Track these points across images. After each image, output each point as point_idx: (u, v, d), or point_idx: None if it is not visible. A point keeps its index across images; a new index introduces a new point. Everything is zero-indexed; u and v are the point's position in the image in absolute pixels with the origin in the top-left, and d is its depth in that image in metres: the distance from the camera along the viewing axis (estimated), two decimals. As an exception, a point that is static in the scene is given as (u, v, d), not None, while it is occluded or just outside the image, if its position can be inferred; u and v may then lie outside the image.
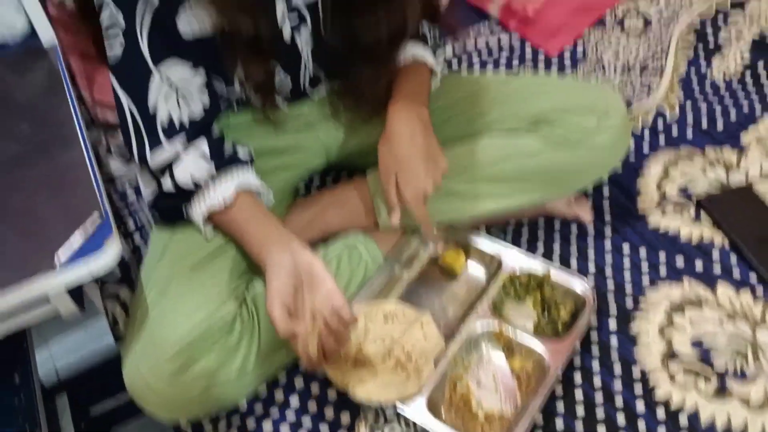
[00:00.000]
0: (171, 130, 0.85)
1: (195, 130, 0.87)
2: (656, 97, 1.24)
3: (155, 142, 0.85)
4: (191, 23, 0.82)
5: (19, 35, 1.08)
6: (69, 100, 0.96)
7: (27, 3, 1.03)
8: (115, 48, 0.83)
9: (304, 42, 0.92)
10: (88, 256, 0.74)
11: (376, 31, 0.89)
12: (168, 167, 0.86)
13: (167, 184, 0.87)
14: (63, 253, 0.74)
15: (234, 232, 0.89)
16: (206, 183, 0.86)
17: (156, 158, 0.85)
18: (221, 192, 0.86)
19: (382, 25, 0.89)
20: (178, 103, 0.86)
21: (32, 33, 1.08)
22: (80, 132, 0.90)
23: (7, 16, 1.05)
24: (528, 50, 1.39)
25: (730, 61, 1.30)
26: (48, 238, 0.76)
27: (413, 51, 1.00)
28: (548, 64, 1.36)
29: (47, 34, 1.07)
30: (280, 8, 0.87)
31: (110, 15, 0.82)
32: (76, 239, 0.75)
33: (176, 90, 0.85)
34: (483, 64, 1.38)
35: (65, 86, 0.99)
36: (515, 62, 1.37)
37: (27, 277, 0.72)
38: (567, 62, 1.36)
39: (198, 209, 0.88)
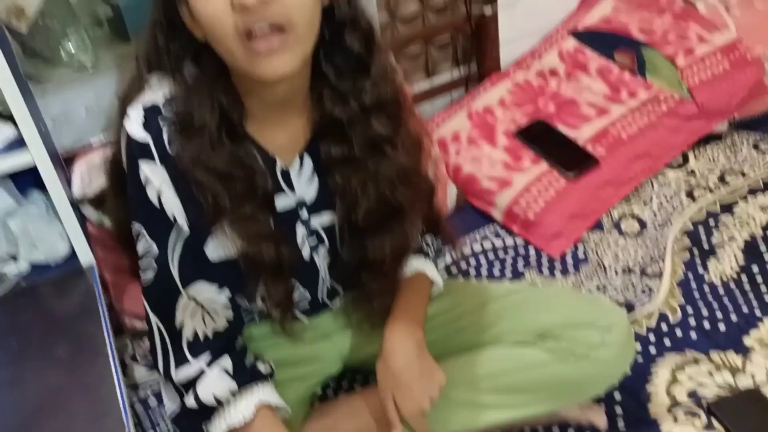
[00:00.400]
0: (196, 345, 0.91)
1: (219, 343, 0.92)
2: (657, 300, 1.30)
3: (181, 360, 0.90)
4: (218, 249, 0.90)
5: (60, 258, 1.18)
6: (103, 321, 1.04)
7: (70, 230, 1.13)
8: (147, 273, 0.90)
9: (322, 259, 1.00)
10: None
11: (381, 249, 0.97)
12: (192, 384, 0.90)
13: (190, 400, 0.90)
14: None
15: None
16: (227, 400, 0.90)
17: (180, 374, 0.90)
18: (242, 410, 0.90)
19: (387, 244, 0.96)
20: (203, 319, 0.92)
21: (72, 254, 1.18)
22: (114, 368, 0.95)
23: (51, 242, 1.15)
24: (532, 252, 1.47)
25: (726, 264, 1.37)
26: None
27: (415, 264, 1.08)
28: (552, 266, 1.44)
29: (86, 256, 1.16)
30: (301, 232, 0.96)
31: (145, 244, 0.90)
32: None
33: (202, 308, 0.91)
34: (490, 265, 1.46)
35: (99, 306, 1.07)
36: (520, 263, 1.45)
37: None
38: (570, 264, 1.43)
39: (218, 427, 0.91)
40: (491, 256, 1.48)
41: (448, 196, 1.59)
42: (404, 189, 0.95)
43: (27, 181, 1.25)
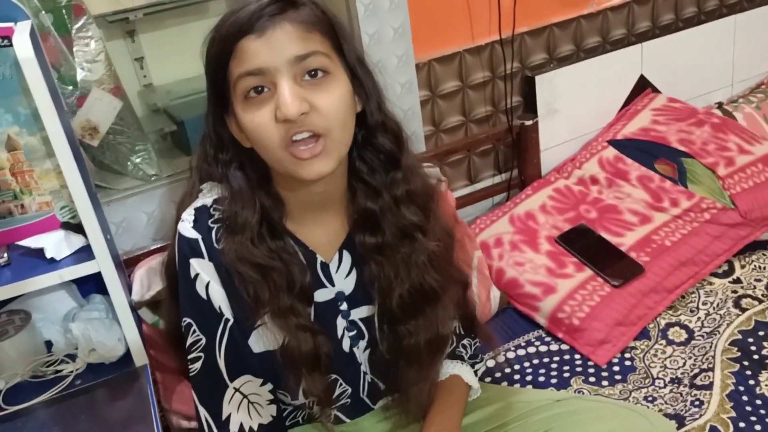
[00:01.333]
0: None
1: None
2: (708, 414, 1.27)
3: None
4: (261, 342, 0.96)
5: (116, 358, 1.23)
6: (155, 423, 1.06)
7: (128, 333, 1.18)
8: (196, 365, 0.96)
9: (362, 352, 1.03)
10: None
11: (416, 336, 1.00)
12: None
13: None
14: None
15: None
16: None
17: None
18: None
19: (422, 330, 1.00)
20: (249, 412, 0.96)
21: (127, 355, 1.22)
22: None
23: (109, 345, 1.20)
24: (578, 359, 1.46)
25: (778, 377, 1.34)
26: None
27: (450, 368, 1.11)
28: (598, 375, 1.42)
29: (140, 358, 1.21)
30: (341, 325, 1.01)
31: (194, 337, 0.96)
32: None
33: (248, 401, 0.96)
34: (535, 371, 1.45)
35: (152, 408, 1.10)
36: (566, 371, 1.44)
37: None
38: (616, 372, 1.42)
39: None
40: (536, 361, 1.47)
41: (491, 300, 1.60)
42: (435, 274, 1.00)
43: (89, 284, 1.33)
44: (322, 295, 0.99)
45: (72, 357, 1.24)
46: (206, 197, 0.97)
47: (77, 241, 1.15)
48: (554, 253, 1.63)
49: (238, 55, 0.84)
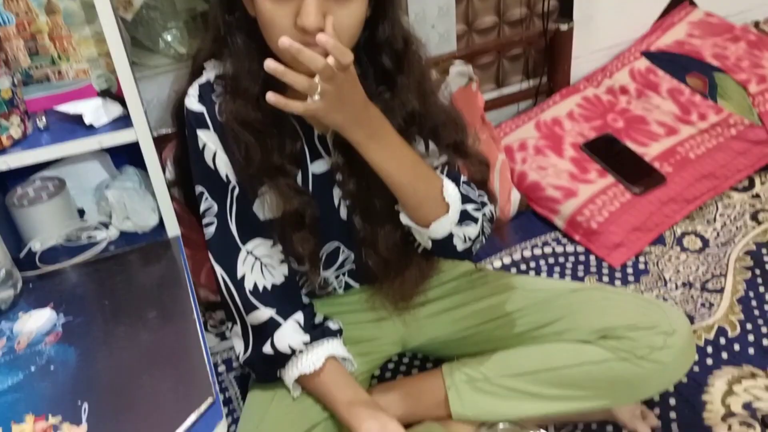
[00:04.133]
0: (259, 295, 1.02)
1: (282, 297, 1.03)
2: (718, 314, 1.31)
3: (250, 307, 1.02)
4: (262, 209, 1.02)
5: (149, 228, 1.26)
6: (189, 290, 1.11)
7: (162, 204, 1.21)
8: (210, 228, 1.03)
9: (360, 220, 1.06)
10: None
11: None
12: (267, 333, 1.02)
13: (267, 348, 1.02)
14: (179, 432, 0.83)
15: (322, 395, 1.03)
16: (300, 350, 1.02)
17: (252, 318, 1.03)
18: (312, 360, 1.02)
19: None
20: (263, 272, 1.03)
21: (159, 226, 1.26)
22: (201, 334, 1.02)
23: (143, 214, 1.23)
24: (593, 260, 1.50)
25: (788, 285, 1.37)
26: (167, 417, 0.86)
27: (448, 182, 0.98)
28: (611, 275, 1.46)
29: (173, 228, 1.24)
30: (337, 194, 1.05)
31: (206, 203, 1.02)
32: (191, 420, 0.85)
33: (261, 262, 1.03)
34: (550, 269, 1.49)
35: (186, 276, 1.14)
36: (580, 270, 1.48)
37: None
38: (630, 275, 1.46)
39: (290, 373, 1.03)
40: (551, 261, 1.51)
41: (512, 202, 1.63)
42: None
43: (122, 157, 1.35)
44: (319, 167, 1.03)
45: (105, 226, 1.28)
46: (209, 73, 1.01)
47: (115, 110, 1.16)
48: (578, 159, 1.64)
49: None
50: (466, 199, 0.99)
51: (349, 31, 0.87)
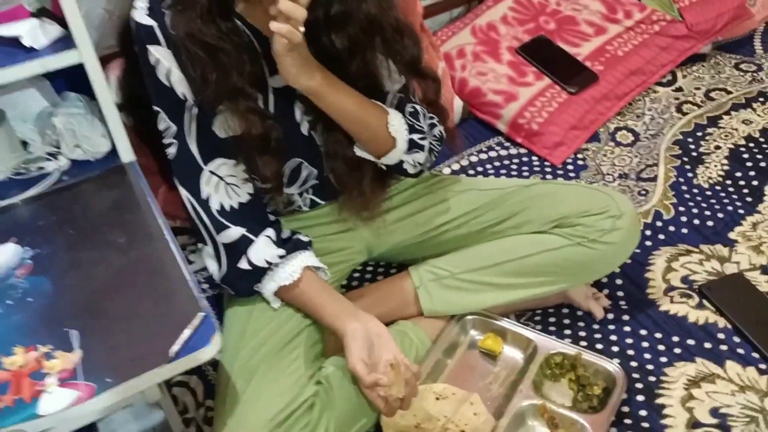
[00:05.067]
0: (227, 214, 1.03)
1: (249, 214, 1.04)
2: (653, 200, 1.42)
3: (220, 226, 1.03)
4: (222, 128, 1.00)
5: (101, 155, 1.23)
6: (154, 210, 1.10)
7: (114, 129, 1.18)
8: (171, 149, 1.02)
9: (319, 134, 1.08)
10: (196, 351, 0.85)
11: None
12: (241, 250, 1.03)
13: (243, 264, 1.03)
14: (175, 348, 0.85)
15: (303, 304, 1.07)
16: (276, 263, 1.04)
17: (223, 237, 1.03)
18: (289, 271, 1.04)
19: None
20: (227, 192, 1.03)
21: (112, 152, 1.23)
22: (173, 244, 1.02)
23: (94, 140, 1.20)
24: (536, 160, 1.58)
25: (712, 170, 1.50)
26: (159, 334, 0.87)
27: (393, 116, 1.05)
28: (554, 173, 1.54)
29: (127, 153, 1.21)
30: (299, 109, 1.05)
31: (164, 123, 1.01)
32: (185, 335, 0.87)
33: (224, 183, 1.03)
34: (497, 172, 1.56)
35: (148, 197, 1.13)
36: (525, 171, 1.55)
37: (145, 369, 0.83)
38: (571, 171, 1.54)
39: (268, 286, 1.05)
40: (497, 164, 1.58)
41: (454, 109, 1.67)
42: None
43: (59, 83, 1.29)
44: (278, 81, 1.01)
45: (53, 156, 1.23)
46: None
47: (54, 31, 1.09)
48: (515, 63, 1.69)
49: None
50: (413, 129, 1.07)
51: None
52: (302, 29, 0.89)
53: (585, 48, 1.72)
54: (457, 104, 1.68)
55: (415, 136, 1.07)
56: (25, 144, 1.26)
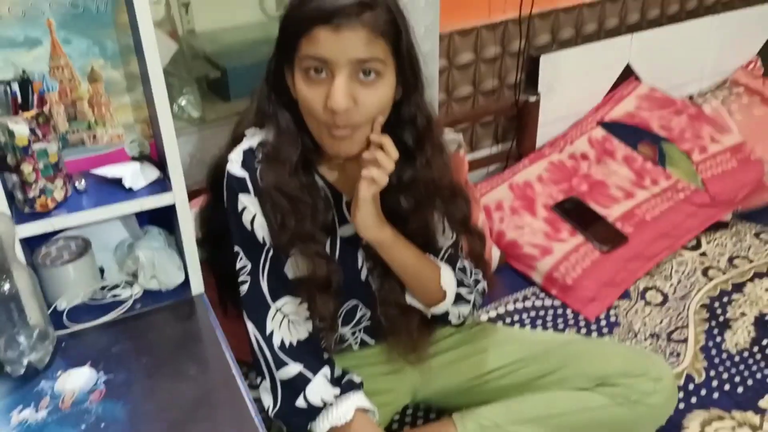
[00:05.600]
0: (286, 351, 1.10)
1: (307, 352, 1.10)
2: (684, 364, 1.48)
3: (280, 362, 1.10)
4: (292, 268, 1.10)
5: (174, 285, 1.31)
6: (223, 345, 1.17)
7: (190, 262, 1.27)
8: (244, 287, 1.11)
9: (376, 280, 1.17)
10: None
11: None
12: (299, 387, 1.09)
13: (300, 401, 1.09)
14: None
15: None
16: (331, 403, 1.09)
17: (282, 374, 1.09)
18: (343, 412, 1.09)
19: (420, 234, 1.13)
20: (289, 329, 1.11)
21: (184, 283, 1.31)
22: (239, 378, 1.09)
23: (171, 272, 1.29)
24: (569, 314, 1.65)
25: (740, 336, 1.57)
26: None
27: (445, 270, 1.15)
28: (588, 327, 1.62)
29: (198, 286, 1.30)
30: (361, 257, 1.15)
31: (242, 262, 1.11)
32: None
33: (288, 320, 1.11)
34: (533, 322, 1.63)
35: (217, 330, 1.20)
36: (560, 323, 1.63)
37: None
38: (604, 327, 1.62)
39: (322, 425, 1.10)
40: (533, 314, 1.66)
41: (492, 258, 1.77)
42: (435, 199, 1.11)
43: (142, 216, 1.40)
44: (346, 231, 1.13)
45: (129, 284, 1.32)
46: (251, 140, 1.10)
47: (152, 173, 1.22)
48: (550, 219, 1.81)
49: (311, 37, 0.94)
50: (460, 283, 1.17)
51: (374, 110, 0.99)
52: (386, 180, 1.02)
53: (615, 210, 1.84)
54: (495, 254, 1.78)
55: (463, 291, 1.18)
56: (101, 271, 1.36)
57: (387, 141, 1.01)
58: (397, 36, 0.98)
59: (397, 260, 1.10)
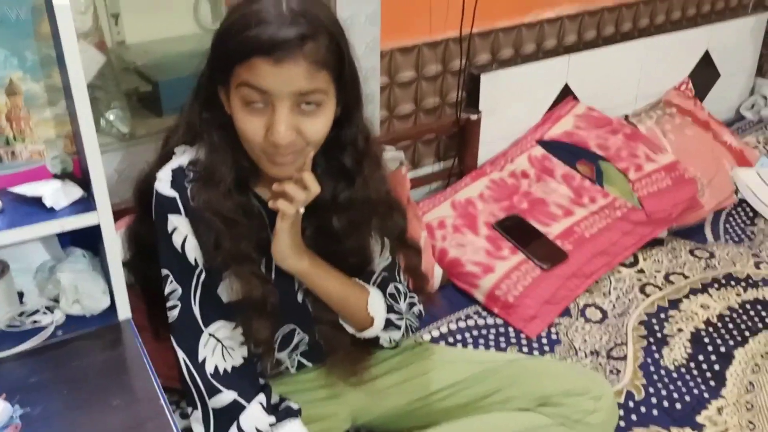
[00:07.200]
0: (220, 378, 1.05)
1: (242, 378, 1.06)
2: (624, 381, 1.49)
3: (213, 390, 1.04)
4: (226, 292, 1.06)
5: (99, 310, 1.24)
6: (150, 372, 1.11)
7: (117, 286, 1.21)
8: (173, 312, 1.06)
9: (312, 303, 1.14)
10: None
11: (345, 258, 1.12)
12: (232, 416, 1.04)
13: (233, 431, 1.04)
14: None
15: None
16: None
17: (215, 402, 1.04)
18: None
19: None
20: (223, 355, 1.06)
21: (109, 308, 1.24)
22: (167, 408, 1.03)
23: (95, 296, 1.22)
24: (512, 332, 1.65)
25: (677, 352, 1.59)
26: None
27: (374, 296, 1.14)
28: (530, 346, 1.61)
29: (125, 311, 1.23)
30: (296, 278, 1.10)
31: (171, 286, 1.06)
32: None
33: (222, 345, 1.06)
34: (475, 341, 1.61)
35: (144, 358, 1.14)
36: (502, 341, 1.62)
37: None
38: (545, 345, 1.61)
39: None
40: (475, 333, 1.64)
41: (435, 277, 1.75)
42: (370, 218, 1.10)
43: (64, 237, 1.32)
44: None
45: (49, 309, 1.24)
46: (180, 158, 1.06)
47: (75, 192, 1.15)
48: (492, 237, 1.81)
49: (250, 66, 0.91)
50: (390, 309, 1.17)
51: (317, 138, 0.97)
52: (301, 211, 1.01)
53: (554, 228, 1.85)
54: (437, 271, 1.76)
55: (393, 317, 1.17)
56: (20, 295, 1.28)
57: (308, 177, 0.99)
58: (339, 63, 0.96)
59: (318, 288, 1.10)
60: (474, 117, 1.98)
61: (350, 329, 1.15)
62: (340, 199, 1.07)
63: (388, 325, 1.17)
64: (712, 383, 1.51)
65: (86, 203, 1.15)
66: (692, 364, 1.56)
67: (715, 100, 2.66)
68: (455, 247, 1.78)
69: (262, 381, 1.12)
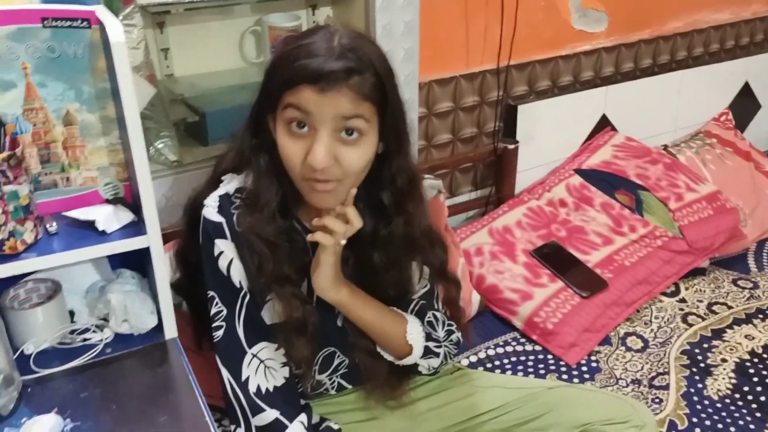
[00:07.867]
0: (262, 397, 1.07)
1: (284, 398, 1.08)
2: (667, 410, 1.47)
3: (256, 409, 1.07)
4: (269, 314, 1.09)
5: (146, 330, 1.28)
6: (196, 391, 1.14)
7: (164, 306, 1.24)
8: (218, 332, 1.09)
9: (351, 326, 1.15)
10: None
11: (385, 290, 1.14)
12: None
13: None
14: None
15: None
16: None
17: (258, 420, 1.06)
18: None
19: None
20: (265, 375, 1.08)
21: (156, 328, 1.28)
22: (212, 426, 1.05)
23: (143, 316, 1.26)
24: (551, 359, 1.64)
25: (721, 383, 1.56)
26: None
27: (412, 325, 1.16)
28: (570, 373, 1.60)
29: (171, 330, 1.27)
30: None
31: (217, 308, 1.09)
32: None
33: (264, 365, 1.08)
34: (514, 368, 1.61)
35: (190, 376, 1.17)
36: (541, 369, 1.61)
37: None
38: (585, 372, 1.60)
39: None
40: (513, 359, 1.64)
41: (472, 303, 1.76)
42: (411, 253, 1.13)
43: (114, 259, 1.37)
44: None
45: (99, 328, 1.29)
46: (227, 186, 1.10)
47: (126, 216, 1.20)
48: (530, 264, 1.81)
49: (297, 92, 0.95)
50: (428, 337, 1.18)
51: (356, 170, 1.00)
52: (343, 242, 1.03)
53: (594, 256, 1.85)
54: (475, 298, 1.77)
55: (431, 344, 1.18)
56: (71, 313, 1.33)
57: (350, 211, 1.02)
58: (383, 99, 0.99)
59: (357, 318, 1.12)
60: (511, 146, 2.00)
61: (389, 357, 1.17)
62: (381, 235, 1.10)
63: (427, 352, 1.18)
64: (758, 414, 1.47)
65: (136, 227, 1.20)
66: (737, 395, 1.52)
67: (756, 130, 2.63)
68: (493, 274, 1.79)
69: (303, 401, 1.14)
